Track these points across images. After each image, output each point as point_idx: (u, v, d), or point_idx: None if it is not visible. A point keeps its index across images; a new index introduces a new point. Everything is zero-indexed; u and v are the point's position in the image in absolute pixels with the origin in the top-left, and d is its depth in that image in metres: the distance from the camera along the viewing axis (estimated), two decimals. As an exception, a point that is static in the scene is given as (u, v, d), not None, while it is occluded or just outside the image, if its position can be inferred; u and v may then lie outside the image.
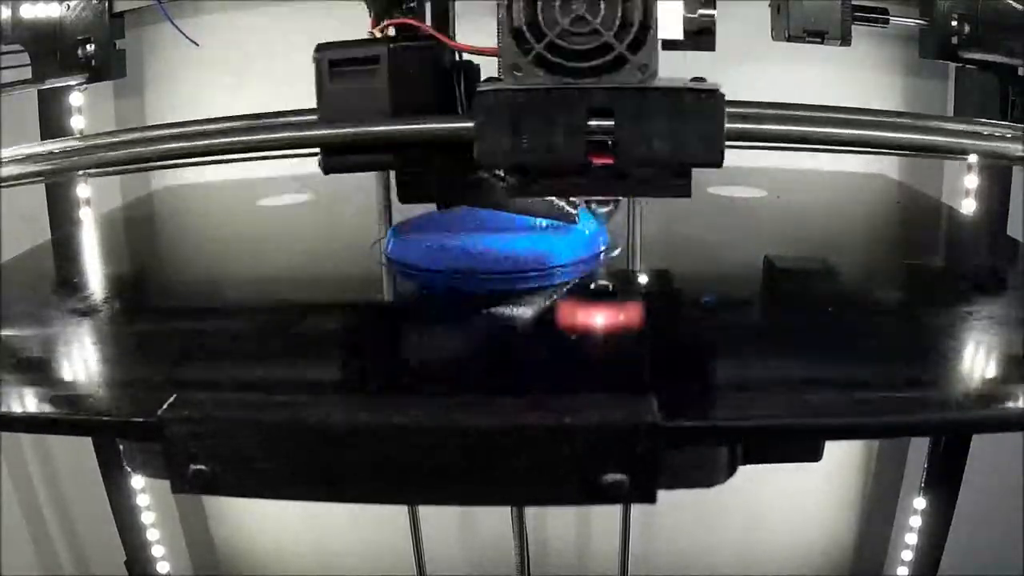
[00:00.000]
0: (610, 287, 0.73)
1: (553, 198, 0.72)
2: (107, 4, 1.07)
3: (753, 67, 1.20)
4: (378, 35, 0.64)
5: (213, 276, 0.84)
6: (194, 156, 0.67)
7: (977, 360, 0.60)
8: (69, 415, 0.54)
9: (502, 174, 0.62)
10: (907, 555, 1.18)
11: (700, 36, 0.60)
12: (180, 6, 0.82)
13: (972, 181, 1.12)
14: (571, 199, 0.73)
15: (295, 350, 0.64)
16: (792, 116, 0.65)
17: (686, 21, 0.59)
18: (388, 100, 0.61)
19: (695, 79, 0.60)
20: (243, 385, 0.58)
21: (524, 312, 0.71)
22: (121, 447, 0.54)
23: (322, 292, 0.77)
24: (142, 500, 1.19)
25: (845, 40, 1.02)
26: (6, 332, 0.65)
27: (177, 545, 1.28)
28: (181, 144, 0.66)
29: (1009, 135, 0.64)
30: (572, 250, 0.77)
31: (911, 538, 1.17)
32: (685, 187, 0.59)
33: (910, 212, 1.08)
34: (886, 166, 1.21)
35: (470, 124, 0.57)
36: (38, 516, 1.26)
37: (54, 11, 1.05)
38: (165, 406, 0.49)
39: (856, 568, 1.33)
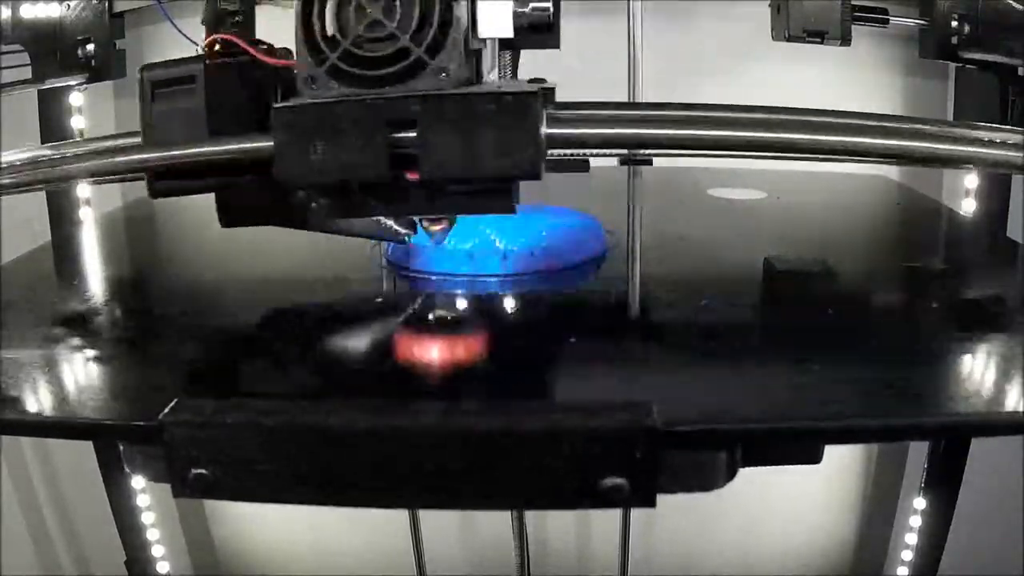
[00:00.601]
0: (606, 290, 0.73)
1: (378, 218, 0.67)
2: (107, 4, 1.07)
3: (753, 67, 1.20)
4: (202, 52, 0.60)
5: (212, 279, 0.84)
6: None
7: (976, 363, 0.60)
8: (70, 419, 0.54)
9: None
10: (907, 555, 1.18)
11: (537, 32, 0.55)
12: (180, 6, 0.82)
13: (972, 181, 1.12)
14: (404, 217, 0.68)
15: (294, 354, 0.64)
16: (622, 117, 0.61)
17: (515, 16, 0.53)
18: (204, 120, 0.56)
19: (532, 80, 0.56)
20: (243, 389, 0.58)
21: (524, 316, 0.72)
22: (121, 448, 0.54)
23: (322, 296, 0.77)
24: (142, 500, 1.19)
25: (845, 40, 1.02)
26: (6, 335, 0.65)
27: (177, 545, 1.28)
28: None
29: (1011, 141, 0.61)
30: (573, 253, 0.77)
31: (911, 538, 1.17)
32: (507, 203, 0.54)
33: (910, 214, 1.08)
34: (885, 167, 1.21)
35: (270, 143, 0.53)
36: (38, 516, 1.26)
37: (54, 11, 1.05)
38: (166, 410, 0.48)
39: (856, 568, 1.33)
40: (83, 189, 1.14)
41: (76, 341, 0.65)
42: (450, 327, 0.69)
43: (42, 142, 1.10)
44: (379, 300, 0.76)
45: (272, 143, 0.53)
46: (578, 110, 0.59)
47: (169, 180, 0.59)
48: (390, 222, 0.68)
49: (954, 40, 1.05)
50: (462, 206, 0.56)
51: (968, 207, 1.12)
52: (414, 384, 0.59)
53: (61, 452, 1.25)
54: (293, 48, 0.54)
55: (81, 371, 0.61)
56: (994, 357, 0.60)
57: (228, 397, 0.53)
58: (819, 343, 0.63)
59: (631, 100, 1.11)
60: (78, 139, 0.67)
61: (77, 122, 1.13)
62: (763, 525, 1.32)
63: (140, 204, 1.16)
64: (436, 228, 0.66)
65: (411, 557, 1.12)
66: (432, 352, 0.65)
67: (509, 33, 0.53)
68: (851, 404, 0.54)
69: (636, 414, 0.47)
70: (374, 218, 0.67)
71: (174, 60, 0.58)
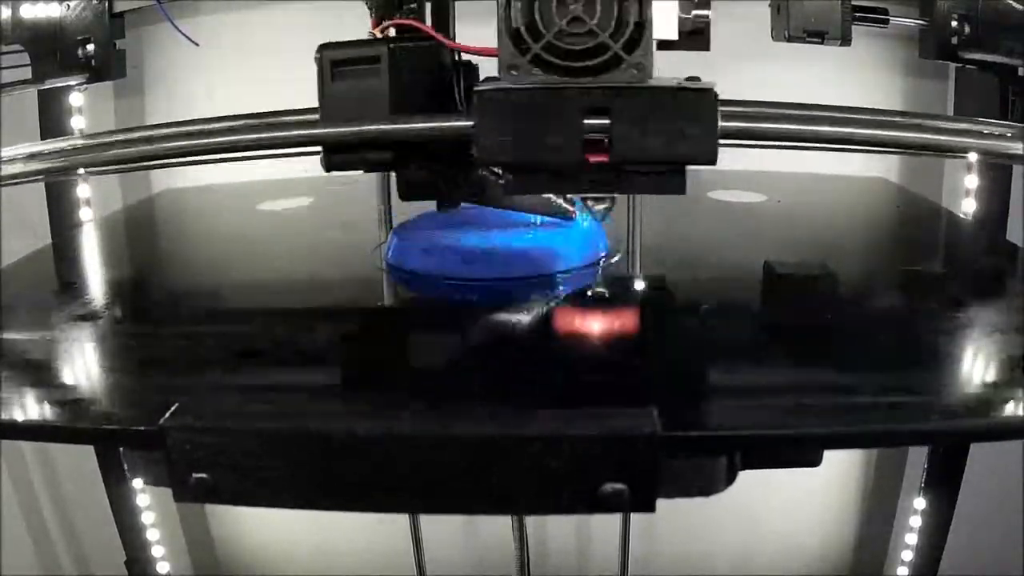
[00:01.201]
0: (607, 295, 0.73)
1: (551, 195, 0.73)
2: (107, 4, 1.07)
3: (753, 67, 1.20)
4: (379, 35, 0.65)
5: (213, 283, 0.84)
6: (198, 154, 0.67)
7: (976, 368, 0.60)
8: (72, 424, 0.54)
9: (500, 172, 0.62)
10: (907, 555, 1.18)
11: (694, 37, 0.61)
12: (180, 6, 0.82)
13: (972, 181, 1.12)
14: (568, 196, 0.74)
15: (295, 358, 0.64)
16: (786, 115, 0.65)
17: (681, 22, 0.59)
18: (387, 99, 0.61)
19: (690, 78, 0.60)
20: (244, 393, 0.58)
21: (524, 320, 0.71)
22: (122, 452, 0.54)
23: (322, 299, 0.77)
24: (142, 500, 1.19)
25: (845, 40, 1.02)
26: (7, 338, 0.65)
27: (177, 545, 1.28)
28: (186, 143, 0.66)
29: (1009, 133, 0.63)
30: (573, 256, 0.77)
31: (911, 538, 1.17)
32: (680, 185, 0.60)
33: (910, 217, 1.08)
34: (885, 169, 1.21)
35: (469, 123, 0.58)
36: (38, 516, 1.26)
37: (54, 11, 1.05)
38: (167, 415, 0.49)
39: (856, 568, 1.33)
40: (83, 190, 1.14)
41: (77, 345, 0.65)
42: (446, 331, 0.69)
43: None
44: (377, 302, 0.76)
45: (469, 123, 0.58)
46: (742, 107, 0.65)
47: (347, 154, 0.63)
48: (559, 200, 0.74)
49: (954, 40, 1.05)
50: (640, 186, 0.61)
51: (968, 207, 1.12)
52: (414, 389, 0.59)
53: (61, 452, 1.25)
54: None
55: (82, 375, 0.61)
56: (993, 362, 0.60)
57: (229, 401, 0.53)
58: (819, 348, 0.64)
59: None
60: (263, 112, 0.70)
61: (77, 122, 1.13)
62: (763, 525, 1.32)
63: (141, 206, 1.16)
64: (600, 207, 0.72)
65: (411, 557, 1.12)
66: (431, 357, 0.65)
67: (674, 35, 0.60)
68: (851, 410, 0.54)
69: (637, 420, 0.48)
70: (545, 196, 0.73)
71: (354, 41, 0.63)
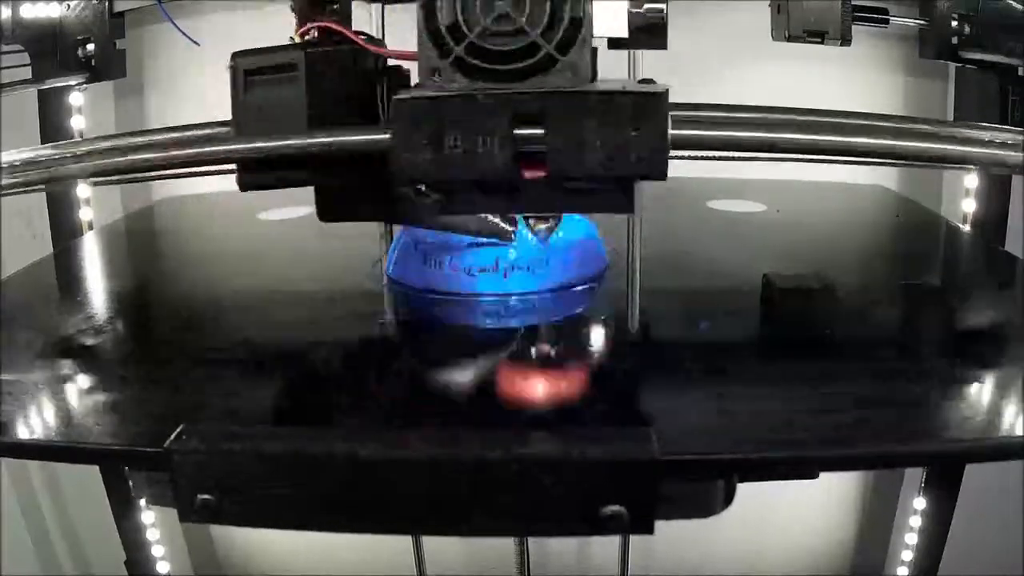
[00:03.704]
0: (605, 313, 0.72)
1: (486, 215, 0.66)
2: (107, 4, 1.07)
3: (752, 67, 1.20)
4: (299, 40, 0.58)
5: (215, 297, 0.84)
6: (99, 175, 0.63)
7: (972, 387, 0.60)
8: (77, 444, 0.54)
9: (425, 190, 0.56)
10: (907, 555, 1.18)
11: (649, 33, 0.55)
12: (180, 6, 0.82)
13: (972, 181, 1.12)
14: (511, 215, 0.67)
15: (297, 380, 0.64)
16: (749, 120, 0.58)
17: (631, 17, 0.53)
18: (305, 111, 0.55)
19: (642, 81, 0.55)
20: (247, 415, 0.58)
21: (523, 339, 0.71)
22: (127, 471, 0.54)
23: (325, 315, 0.76)
24: (142, 501, 1.19)
25: (845, 40, 1.02)
26: (8, 354, 0.65)
27: (177, 545, 1.28)
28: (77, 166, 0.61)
29: (1011, 141, 0.60)
30: (573, 271, 0.77)
31: (911, 538, 1.17)
32: (629, 203, 0.54)
33: (908, 227, 1.08)
34: (886, 173, 1.21)
35: (387, 136, 0.52)
36: (38, 516, 1.26)
37: (54, 11, 1.05)
38: (172, 437, 0.49)
39: (856, 568, 1.33)
40: (83, 191, 1.14)
41: (80, 362, 0.65)
42: (448, 351, 0.69)
43: (42, 142, 1.10)
44: (379, 321, 0.76)
45: (387, 135, 0.52)
46: (692, 111, 0.58)
47: (262, 173, 0.57)
48: (496, 219, 0.67)
49: (954, 40, 1.05)
50: (581, 205, 0.56)
51: (968, 207, 1.12)
52: (415, 411, 0.59)
53: (61, 452, 1.25)
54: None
55: (86, 394, 0.61)
56: (990, 380, 0.60)
57: (233, 423, 0.54)
58: (817, 366, 0.64)
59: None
60: (162, 127, 0.64)
61: (77, 122, 1.13)
62: (763, 525, 1.31)
63: (141, 215, 1.16)
64: (543, 226, 0.65)
65: (411, 557, 1.12)
66: (429, 379, 0.65)
67: (624, 32, 0.53)
68: (848, 432, 0.54)
69: (636, 443, 0.48)
70: (481, 215, 0.65)
71: (268, 47, 0.56)
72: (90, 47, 1.06)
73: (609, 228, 0.87)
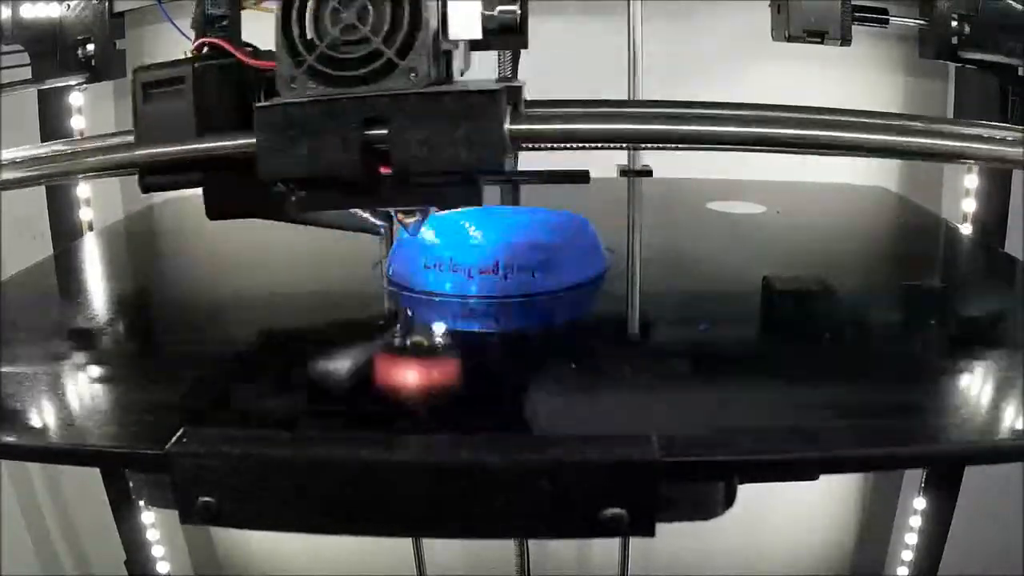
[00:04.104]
0: (605, 314, 0.71)
1: (356, 210, 0.69)
2: (107, 4, 1.07)
3: (751, 67, 1.20)
4: (192, 55, 0.64)
5: (215, 299, 0.84)
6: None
7: (973, 390, 0.60)
8: (77, 447, 0.55)
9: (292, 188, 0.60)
10: (907, 555, 1.18)
11: (506, 34, 0.57)
12: (180, 6, 0.82)
13: (972, 181, 1.12)
14: (377, 210, 0.70)
15: (297, 382, 0.64)
16: (596, 114, 0.60)
17: (484, 19, 0.56)
18: (193, 119, 0.60)
19: (501, 79, 0.58)
20: (248, 418, 0.59)
21: (524, 342, 0.71)
22: (128, 474, 0.55)
23: (324, 318, 0.76)
24: (142, 501, 1.19)
25: (845, 40, 1.02)
26: (8, 355, 0.65)
27: (177, 545, 1.28)
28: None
29: (1010, 138, 0.60)
30: (573, 273, 0.77)
31: (911, 538, 1.17)
32: (474, 195, 0.57)
33: (909, 228, 1.08)
34: (883, 177, 1.21)
35: (251, 141, 0.56)
36: (38, 516, 1.26)
37: (54, 11, 1.05)
38: (173, 440, 0.49)
39: (856, 568, 1.33)
40: (83, 192, 1.14)
41: (80, 364, 0.65)
42: (448, 356, 0.69)
43: (42, 142, 1.10)
44: (380, 324, 0.76)
45: (254, 140, 0.56)
46: (544, 108, 0.60)
47: (159, 176, 0.62)
48: (366, 214, 0.71)
49: (954, 40, 1.05)
50: (430, 198, 0.59)
51: (968, 207, 1.12)
52: (414, 416, 0.59)
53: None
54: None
55: (87, 396, 0.61)
56: (990, 382, 0.60)
57: (234, 426, 0.54)
58: (817, 368, 0.64)
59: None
60: (75, 138, 0.69)
61: (77, 122, 1.13)
62: (763, 525, 1.32)
63: (141, 217, 1.16)
64: (409, 220, 0.67)
65: (411, 557, 1.12)
66: (431, 383, 0.65)
67: (478, 35, 0.56)
68: (848, 434, 0.54)
69: (636, 447, 0.48)
70: (350, 211, 0.69)
71: (164, 62, 0.61)
72: (90, 47, 1.06)
73: (609, 230, 0.87)
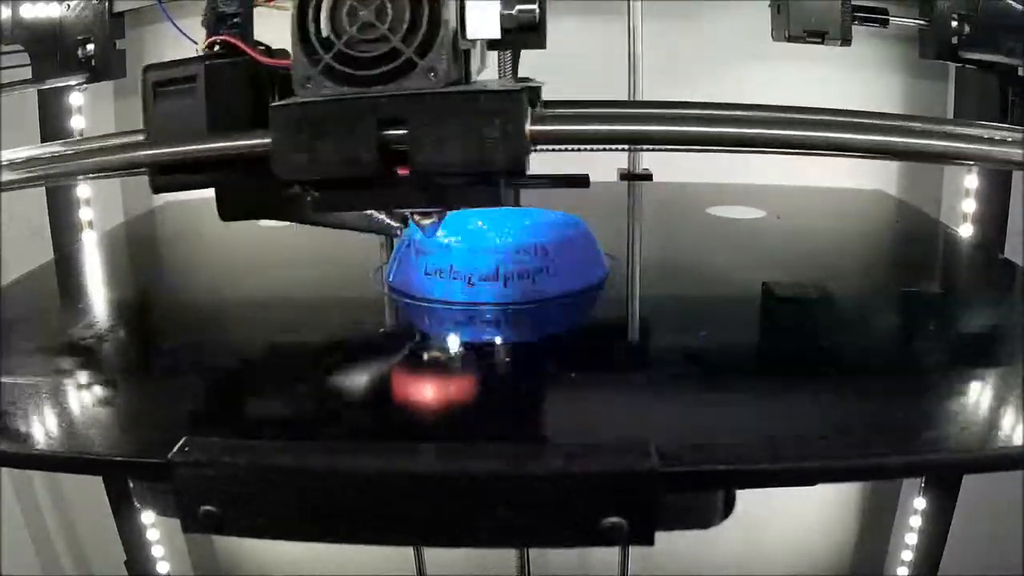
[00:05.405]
0: (604, 322, 0.71)
1: (371, 212, 0.69)
2: (107, 4, 1.07)
3: (751, 67, 1.20)
4: (203, 52, 0.62)
5: (217, 305, 0.84)
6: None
7: (970, 398, 0.60)
8: (79, 455, 0.54)
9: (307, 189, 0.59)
10: (907, 555, 1.18)
11: (527, 34, 0.56)
12: (180, 6, 0.82)
13: (972, 182, 1.12)
14: (394, 211, 0.69)
15: (299, 390, 0.64)
16: (616, 115, 0.60)
17: (503, 18, 0.55)
18: (205, 118, 0.59)
19: (520, 79, 0.57)
20: (250, 427, 0.58)
21: (524, 351, 0.71)
22: (130, 482, 0.55)
23: (324, 325, 0.76)
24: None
25: (845, 40, 1.02)
26: (9, 362, 0.65)
27: (177, 545, 1.28)
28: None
29: (1010, 138, 0.60)
30: (574, 280, 0.77)
31: (911, 538, 1.17)
32: (493, 196, 0.56)
33: (908, 233, 1.08)
34: (883, 181, 1.21)
35: (267, 140, 0.56)
36: (38, 516, 1.26)
37: (54, 11, 1.05)
38: (175, 449, 0.50)
39: (856, 568, 1.33)
40: (84, 201, 1.14)
41: (81, 371, 0.65)
42: (450, 364, 0.69)
43: (42, 142, 1.10)
44: (381, 331, 0.76)
45: (270, 140, 0.55)
46: (563, 108, 0.59)
47: (170, 175, 0.61)
48: (381, 216, 0.69)
49: (954, 40, 1.05)
50: (450, 199, 0.58)
51: (968, 207, 1.12)
52: (416, 425, 0.59)
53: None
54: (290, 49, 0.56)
55: (88, 404, 0.61)
56: (988, 390, 0.60)
57: (236, 435, 0.54)
58: (816, 375, 0.64)
59: (631, 100, 1.11)
60: (79, 137, 0.68)
61: (77, 122, 1.13)
62: (763, 525, 1.32)
63: (143, 220, 1.16)
64: (426, 222, 0.66)
65: (411, 557, 1.12)
66: (433, 392, 0.65)
67: (496, 34, 0.55)
68: (847, 442, 0.54)
69: (636, 456, 0.48)
70: (365, 212, 0.68)
71: (175, 61, 0.60)
72: (90, 47, 1.06)
73: (609, 235, 0.87)
